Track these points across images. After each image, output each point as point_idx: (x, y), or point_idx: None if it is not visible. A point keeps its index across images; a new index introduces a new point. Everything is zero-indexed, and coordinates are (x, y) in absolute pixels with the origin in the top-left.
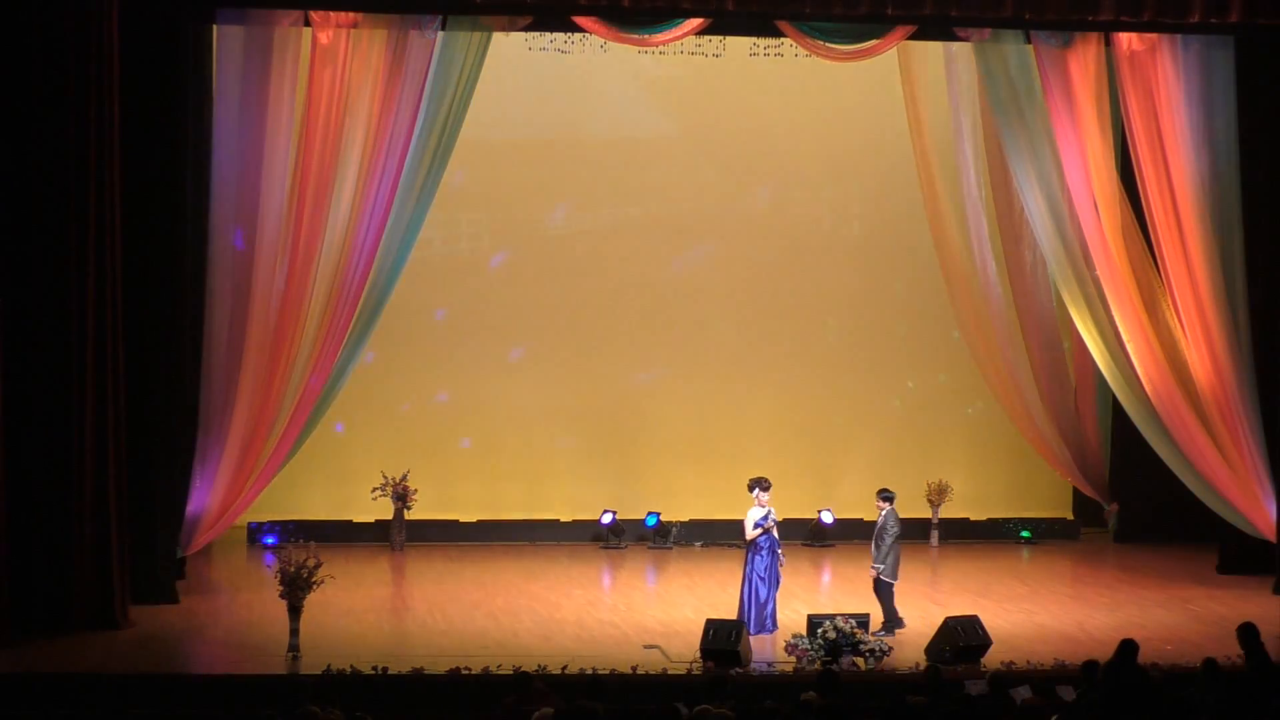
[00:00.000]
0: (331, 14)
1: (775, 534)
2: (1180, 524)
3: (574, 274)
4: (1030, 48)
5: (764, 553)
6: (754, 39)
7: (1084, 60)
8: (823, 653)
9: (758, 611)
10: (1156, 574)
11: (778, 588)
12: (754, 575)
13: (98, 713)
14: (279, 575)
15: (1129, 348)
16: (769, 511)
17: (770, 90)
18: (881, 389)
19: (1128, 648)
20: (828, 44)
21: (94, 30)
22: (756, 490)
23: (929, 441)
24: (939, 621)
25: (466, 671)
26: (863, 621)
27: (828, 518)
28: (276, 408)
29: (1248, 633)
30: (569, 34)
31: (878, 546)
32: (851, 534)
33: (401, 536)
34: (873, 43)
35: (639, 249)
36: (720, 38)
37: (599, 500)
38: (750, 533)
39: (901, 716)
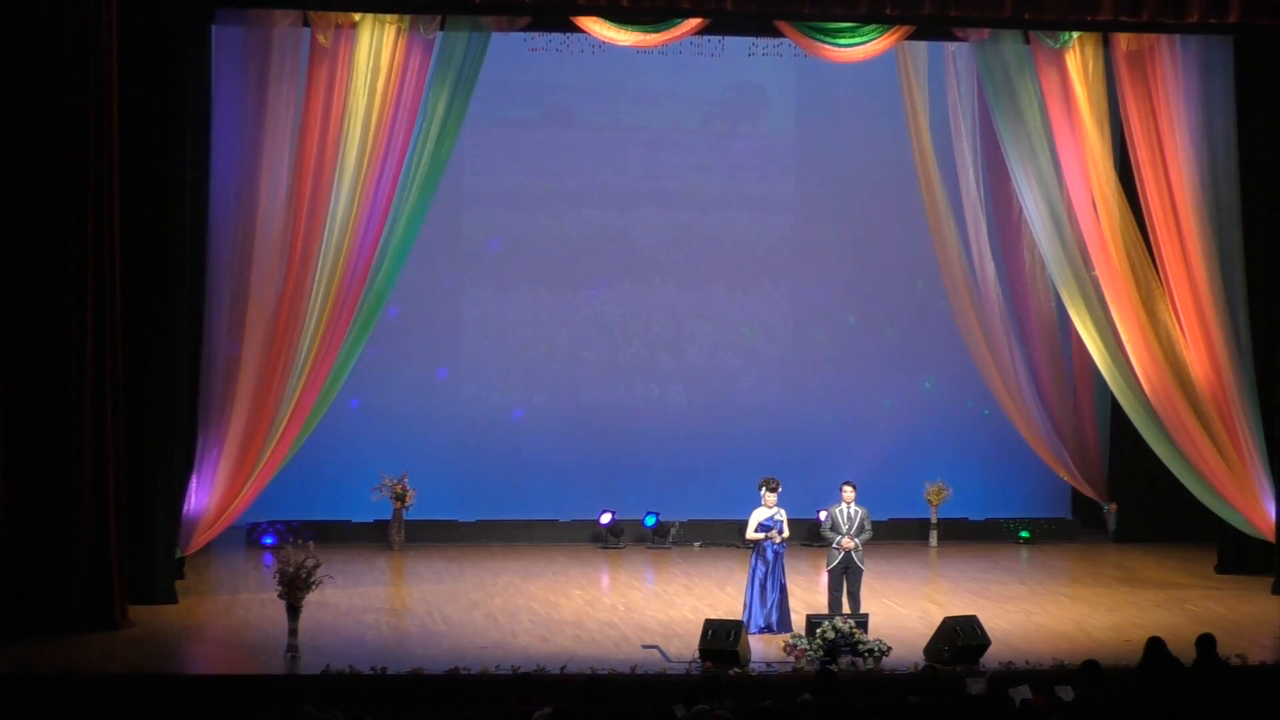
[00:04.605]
0: (331, 14)
1: (780, 541)
2: (1180, 524)
3: (574, 272)
4: (1029, 48)
5: (767, 555)
6: (753, 39)
7: (1083, 60)
8: (821, 653)
9: (756, 612)
10: (1155, 574)
11: (779, 592)
12: (753, 577)
13: (97, 713)
14: (278, 575)
15: (1128, 348)
16: (775, 514)
17: (768, 90)
18: (881, 388)
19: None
20: (827, 44)
21: (93, 30)
22: (763, 490)
23: (928, 441)
24: (938, 621)
25: (465, 672)
26: (861, 621)
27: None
28: (276, 408)
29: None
30: (569, 33)
31: (861, 532)
32: None
33: (400, 536)
34: (872, 43)
35: (639, 248)
36: (720, 38)
37: (598, 500)
38: (750, 534)
39: (901, 716)
